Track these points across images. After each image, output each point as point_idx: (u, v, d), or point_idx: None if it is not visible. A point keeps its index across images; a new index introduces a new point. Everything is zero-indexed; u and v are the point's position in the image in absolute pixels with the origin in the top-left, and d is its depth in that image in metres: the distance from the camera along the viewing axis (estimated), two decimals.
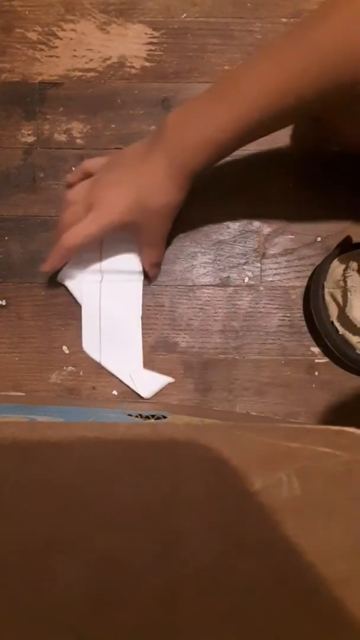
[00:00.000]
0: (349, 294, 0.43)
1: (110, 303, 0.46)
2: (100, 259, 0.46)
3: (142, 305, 0.46)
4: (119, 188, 0.39)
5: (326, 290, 0.44)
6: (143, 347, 0.46)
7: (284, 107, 0.32)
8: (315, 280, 0.44)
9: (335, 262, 0.45)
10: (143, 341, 0.46)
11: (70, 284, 0.46)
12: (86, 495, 0.18)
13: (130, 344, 0.46)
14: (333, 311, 0.44)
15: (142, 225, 0.40)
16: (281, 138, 0.48)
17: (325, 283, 0.43)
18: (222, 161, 0.48)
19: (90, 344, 0.46)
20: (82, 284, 0.46)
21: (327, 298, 0.44)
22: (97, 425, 0.20)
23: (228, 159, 0.48)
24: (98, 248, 0.46)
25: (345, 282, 0.44)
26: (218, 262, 0.47)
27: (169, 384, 0.46)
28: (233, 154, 0.46)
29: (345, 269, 0.44)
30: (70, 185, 0.45)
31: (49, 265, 0.43)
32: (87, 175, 0.44)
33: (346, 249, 0.45)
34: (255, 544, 0.17)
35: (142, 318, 0.46)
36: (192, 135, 0.35)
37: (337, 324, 0.44)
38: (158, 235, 0.43)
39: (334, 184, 0.47)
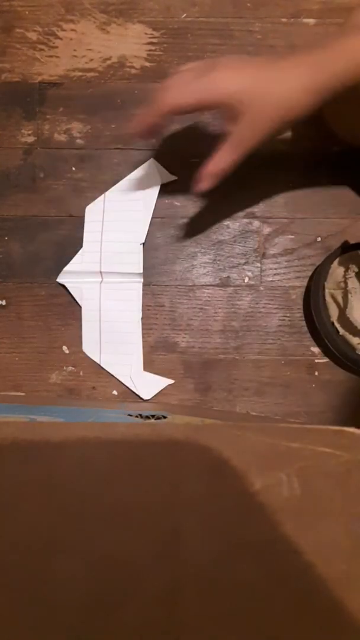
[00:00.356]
0: (349, 295, 0.43)
1: (110, 304, 0.46)
2: (100, 260, 0.46)
3: (142, 306, 0.46)
4: (242, 65, 0.35)
5: (327, 290, 0.44)
6: (143, 347, 0.46)
7: None
8: (315, 281, 0.44)
9: (336, 263, 0.45)
10: (143, 341, 0.46)
11: (70, 285, 0.46)
12: (86, 495, 0.18)
13: (130, 345, 0.46)
14: (333, 312, 0.44)
15: (249, 113, 0.35)
16: (282, 138, 0.48)
17: (325, 284, 0.43)
18: None
19: (90, 346, 0.46)
20: (82, 285, 0.46)
21: (328, 299, 0.44)
22: (97, 425, 0.20)
23: None
24: (99, 249, 0.46)
25: (345, 283, 0.44)
26: (218, 262, 0.47)
27: (169, 384, 0.46)
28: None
29: (345, 270, 0.44)
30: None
31: (138, 123, 0.38)
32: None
33: (347, 250, 0.45)
34: (255, 543, 0.17)
35: (142, 318, 0.46)
36: (338, 58, 0.33)
37: (337, 325, 0.44)
38: (256, 135, 0.36)
39: (334, 183, 0.47)
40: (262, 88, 0.35)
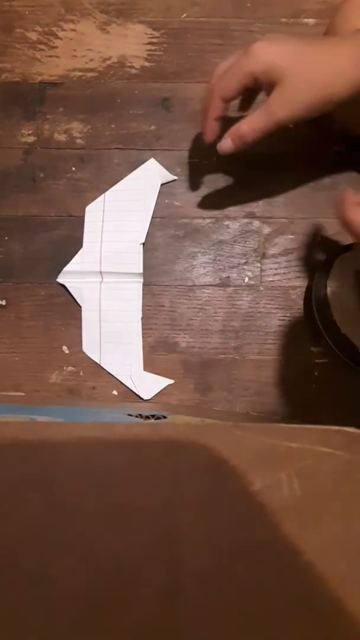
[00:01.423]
0: (350, 293, 0.43)
1: (110, 304, 0.46)
2: (100, 260, 0.46)
3: (142, 306, 0.46)
4: (284, 38, 0.35)
5: (328, 289, 0.44)
6: (143, 347, 0.46)
7: None
8: (317, 280, 0.44)
9: (337, 262, 0.45)
10: (143, 341, 0.46)
11: (70, 285, 0.46)
12: (86, 495, 0.18)
13: (130, 345, 0.46)
14: (335, 311, 0.44)
15: (287, 83, 0.34)
16: (282, 138, 0.48)
17: (327, 282, 0.43)
18: (222, 160, 0.48)
19: (90, 346, 0.46)
20: (82, 285, 0.46)
21: (329, 297, 0.44)
22: (97, 425, 0.20)
23: (228, 158, 0.48)
24: (99, 249, 0.46)
25: (347, 281, 0.44)
26: (218, 262, 0.47)
27: (169, 384, 0.46)
28: (233, 153, 0.45)
29: (346, 269, 0.44)
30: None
31: (206, 129, 0.38)
32: None
33: (347, 249, 0.45)
34: (255, 544, 0.17)
35: (142, 318, 0.46)
36: None
37: (338, 324, 0.44)
38: (289, 107, 0.34)
39: (335, 183, 0.47)
40: (302, 60, 0.33)
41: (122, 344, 0.46)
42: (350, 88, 0.33)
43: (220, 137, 0.38)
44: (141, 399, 0.45)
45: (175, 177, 0.47)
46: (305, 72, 0.33)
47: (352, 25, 0.38)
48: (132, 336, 0.46)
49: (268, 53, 0.34)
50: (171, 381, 0.46)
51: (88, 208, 0.47)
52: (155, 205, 0.47)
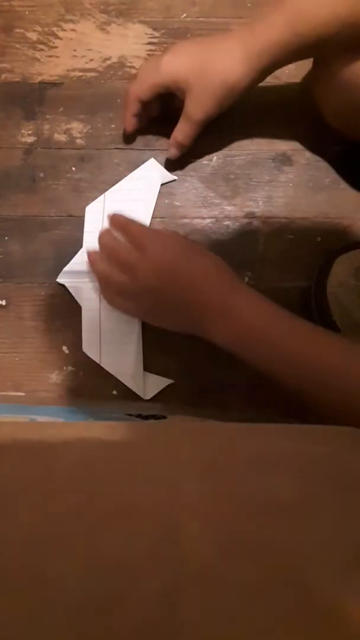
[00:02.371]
0: (350, 293, 0.43)
1: (110, 305, 0.46)
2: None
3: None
4: (192, 44, 0.41)
5: (328, 289, 0.44)
6: (142, 346, 0.46)
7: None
8: (317, 280, 0.44)
9: (337, 262, 0.45)
10: (142, 341, 0.46)
11: (70, 285, 0.46)
12: (86, 495, 0.18)
13: (130, 345, 0.46)
14: (335, 310, 0.44)
15: (193, 90, 0.40)
16: (282, 138, 0.48)
17: (327, 282, 0.43)
18: (222, 160, 0.48)
19: (90, 346, 0.46)
20: (82, 285, 0.46)
21: (329, 297, 0.44)
22: (97, 425, 0.20)
23: (228, 158, 0.48)
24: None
25: (347, 281, 0.44)
26: None
27: (169, 384, 0.46)
28: (234, 154, 0.46)
29: (346, 269, 0.44)
30: None
31: (126, 121, 0.45)
32: None
33: (347, 249, 0.45)
34: (255, 543, 0.17)
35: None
36: (278, 17, 0.36)
37: (338, 323, 0.44)
38: (201, 109, 0.41)
39: (334, 183, 0.47)
40: (202, 65, 0.39)
41: (122, 344, 0.46)
42: (246, 75, 0.38)
43: (138, 129, 0.46)
44: (141, 398, 0.45)
45: (175, 177, 0.47)
46: (205, 78, 0.39)
47: None
48: (132, 336, 0.46)
49: (173, 67, 0.40)
50: (171, 381, 0.46)
51: (88, 208, 0.47)
52: (155, 205, 0.47)
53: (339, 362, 0.35)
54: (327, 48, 0.36)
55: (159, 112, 0.46)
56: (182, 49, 0.40)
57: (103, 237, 0.41)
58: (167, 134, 0.47)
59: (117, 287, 0.40)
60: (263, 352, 0.37)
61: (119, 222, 0.41)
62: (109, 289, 0.41)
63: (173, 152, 0.45)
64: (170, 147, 0.45)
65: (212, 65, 0.38)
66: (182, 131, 0.43)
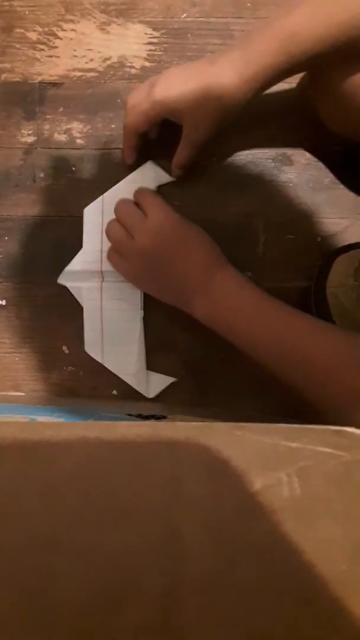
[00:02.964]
0: (350, 293, 0.43)
1: (111, 304, 0.46)
2: (101, 260, 0.46)
3: (143, 305, 0.46)
4: (182, 71, 0.40)
5: (328, 289, 0.44)
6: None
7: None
8: (317, 280, 0.44)
9: (337, 262, 0.45)
10: (144, 340, 0.46)
11: (71, 286, 0.46)
12: (86, 495, 0.18)
13: (132, 344, 0.46)
14: (334, 310, 0.44)
15: (190, 118, 0.40)
16: (281, 138, 0.48)
17: (327, 282, 0.43)
18: (223, 160, 0.48)
19: (93, 346, 0.46)
20: (82, 285, 0.46)
21: (329, 297, 0.44)
22: (97, 425, 0.20)
23: (228, 158, 0.48)
24: (99, 249, 0.46)
25: (346, 282, 0.44)
26: None
27: (170, 383, 0.46)
28: (234, 153, 0.46)
29: (346, 269, 0.44)
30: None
31: (125, 154, 0.46)
32: None
33: (347, 249, 0.45)
34: (255, 544, 0.17)
35: (143, 318, 0.46)
36: (271, 29, 0.36)
37: (338, 323, 0.44)
38: (200, 134, 0.41)
39: (334, 183, 0.47)
40: (197, 93, 0.38)
41: (125, 344, 0.46)
42: (242, 98, 0.38)
43: (138, 159, 0.46)
44: (143, 397, 0.45)
45: (174, 179, 0.47)
46: (201, 105, 0.39)
47: None
48: (134, 335, 0.46)
49: (167, 97, 0.39)
50: (174, 379, 0.46)
51: (86, 210, 0.47)
52: None
53: (307, 343, 0.36)
54: (321, 62, 0.37)
55: (158, 134, 0.46)
56: (173, 78, 0.40)
57: (120, 201, 0.44)
58: (166, 136, 0.47)
59: (117, 245, 0.43)
60: (239, 330, 0.39)
61: (137, 191, 0.45)
62: (113, 245, 0.44)
63: (177, 173, 0.46)
64: (173, 168, 0.45)
65: (207, 92, 0.38)
66: (184, 155, 0.44)
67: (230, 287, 0.40)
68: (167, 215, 0.42)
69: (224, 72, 0.37)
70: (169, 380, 0.46)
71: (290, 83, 0.41)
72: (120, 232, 0.43)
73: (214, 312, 0.40)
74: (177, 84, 0.39)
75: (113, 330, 0.46)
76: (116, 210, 0.44)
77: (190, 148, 0.43)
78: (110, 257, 0.45)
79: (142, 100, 0.41)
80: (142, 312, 0.46)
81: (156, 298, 0.44)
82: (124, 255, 0.43)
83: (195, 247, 0.41)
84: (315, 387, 0.36)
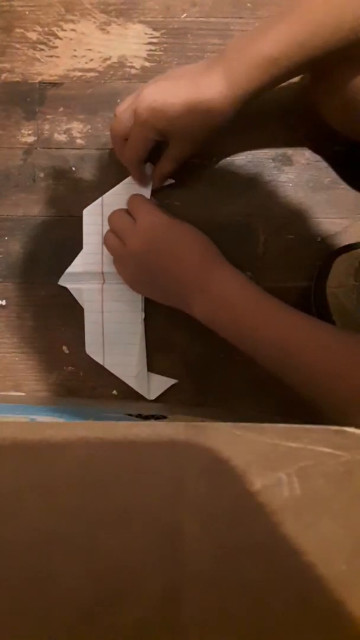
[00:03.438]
0: (350, 293, 0.43)
1: (112, 305, 0.46)
2: (102, 261, 0.46)
3: (144, 306, 0.46)
4: (168, 85, 0.38)
5: (328, 290, 0.44)
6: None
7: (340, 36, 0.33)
8: (317, 280, 0.44)
9: (337, 262, 0.45)
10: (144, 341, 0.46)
11: (72, 287, 0.46)
12: (86, 495, 0.18)
13: (133, 345, 0.46)
14: (335, 310, 0.44)
15: (173, 136, 0.40)
16: (281, 138, 0.48)
17: (327, 283, 0.43)
18: (222, 161, 0.48)
19: (94, 347, 0.46)
20: (83, 286, 0.46)
21: (329, 298, 0.44)
22: (97, 425, 0.20)
23: (228, 158, 0.48)
24: (100, 250, 0.46)
25: (346, 282, 0.44)
26: None
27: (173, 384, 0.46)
28: (234, 153, 0.46)
29: (346, 269, 0.44)
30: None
31: (135, 177, 0.45)
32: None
33: (347, 249, 0.45)
34: (255, 544, 0.17)
35: (144, 319, 0.46)
36: (251, 53, 0.35)
37: (338, 324, 0.44)
38: (185, 152, 0.42)
39: (334, 183, 0.47)
40: (184, 119, 0.38)
41: (126, 345, 0.46)
42: (229, 104, 0.37)
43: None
44: (144, 398, 0.45)
45: (173, 180, 0.47)
46: (190, 118, 0.38)
47: None
48: (135, 337, 0.46)
49: (157, 121, 0.38)
50: (175, 380, 0.46)
51: (85, 211, 0.46)
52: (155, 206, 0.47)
53: (308, 343, 0.36)
54: (316, 65, 0.36)
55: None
56: (162, 98, 0.38)
57: (113, 211, 0.45)
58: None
59: (113, 253, 0.44)
60: (239, 329, 0.39)
61: (129, 198, 0.45)
62: (110, 253, 0.45)
63: (157, 184, 0.46)
64: (154, 179, 0.45)
65: (199, 105, 0.37)
66: (168, 168, 0.44)
67: (228, 285, 0.40)
68: (155, 217, 0.42)
69: (212, 87, 0.37)
70: (170, 382, 0.46)
71: (290, 82, 0.41)
72: (113, 239, 0.43)
73: (213, 311, 0.40)
74: (166, 98, 0.38)
75: (114, 331, 0.46)
76: (109, 220, 0.45)
77: (173, 163, 0.43)
78: (114, 263, 0.45)
79: (136, 127, 0.40)
80: (143, 313, 0.46)
81: (156, 301, 0.44)
82: (119, 261, 0.44)
83: (188, 246, 0.41)
84: (316, 388, 0.36)
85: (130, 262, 0.43)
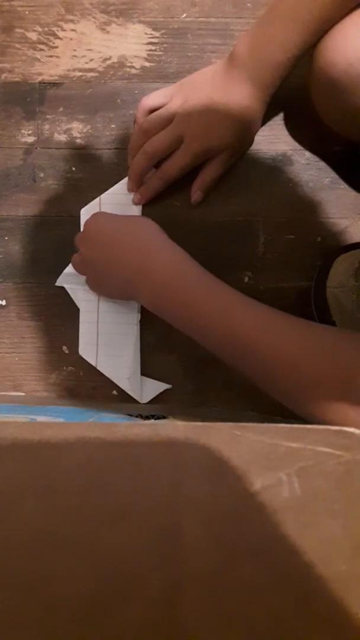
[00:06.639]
0: (350, 293, 0.43)
1: (108, 306, 0.45)
2: None
3: (141, 307, 0.46)
4: (210, 111, 0.41)
5: (328, 290, 0.44)
6: (142, 347, 0.46)
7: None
8: (316, 280, 0.44)
9: (337, 262, 0.45)
10: (142, 342, 0.46)
11: (69, 287, 0.46)
12: (86, 495, 0.18)
13: (127, 347, 0.45)
14: (335, 310, 0.44)
15: (229, 145, 0.43)
16: (282, 138, 0.48)
17: (327, 283, 0.43)
18: None
19: (87, 348, 0.45)
20: (80, 287, 0.46)
21: (329, 298, 0.44)
22: (97, 425, 0.20)
23: None
24: None
25: (346, 282, 0.44)
26: (217, 262, 0.47)
27: (170, 383, 0.46)
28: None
29: (346, 269, 0.44)
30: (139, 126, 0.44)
31: (143, 197, 0.46)
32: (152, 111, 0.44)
33: (347, 249, 0.45)
34: (256, 544, 0.17)
35: (140, 321, 0.46)
36: (273, 53, 0.38)
37: (338, 324, 0.44)
38: (237, 151, 0.44)
39: (334, 183, 0.47)
40: (231, 132, 0.42)
41: (119, 347, 0.45)
42: (262, 108, 0.41)
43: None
44: (137, 402, 0.45)
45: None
46: (238, 139, 0.43)
47: None
48: (130, 339, 0.45)
49: (208, 154, 0.43)
50: (169, 385, 0.45)
51: (83, 211, 0.46)
52: (155, 206, 0.47)
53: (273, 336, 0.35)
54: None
55: None
56: (195, 104, 0.41)
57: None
58: None
59: (74, 266, 0.45)
60: (185, 317, 0.38)
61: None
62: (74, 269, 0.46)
63: (199, 197, 0.46)
64: (197, 191, 0.46)
65: (241, 120, 0.41)
66: (217, 172, 0.45)
67: (174, 269, 0.38)
68: (96, 219, 0.43)
69: (248, 94, 0.40)
70: (164, 386, 0.45)
71: (290, 83, 0.41)
72: (74, 256, 0.45)
73: (154, 297, 0.39)
74: (211, 128, 0.41)
75: (108, 333, 0.45)
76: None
77: (226, 165, 0.45)
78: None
79: (179, 152, 0.43)
80: (139, 315, 0.46)
81: (119, 299, 0.45)
82: (80, 270, 0.44)
83: (135, 236, 0.40)
84: (269, 378, 0.35)
85: (85, 268, 0.44)
